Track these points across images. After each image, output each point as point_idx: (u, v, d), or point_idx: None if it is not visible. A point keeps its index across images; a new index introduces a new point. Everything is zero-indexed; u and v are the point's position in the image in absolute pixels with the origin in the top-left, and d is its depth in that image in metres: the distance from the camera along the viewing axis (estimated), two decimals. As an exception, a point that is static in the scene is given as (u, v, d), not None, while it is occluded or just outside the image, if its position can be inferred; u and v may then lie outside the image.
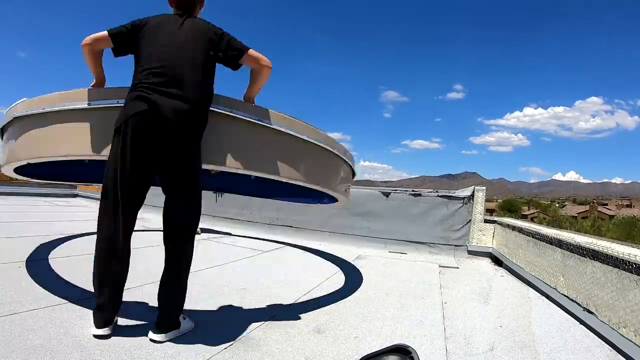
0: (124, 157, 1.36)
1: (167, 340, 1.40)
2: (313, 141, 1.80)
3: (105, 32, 1.50)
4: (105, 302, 1.39)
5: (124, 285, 1.45)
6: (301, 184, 1.83)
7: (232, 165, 1.59)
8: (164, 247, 1.48)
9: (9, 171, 2.03)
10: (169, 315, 1.46)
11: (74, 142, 1.57)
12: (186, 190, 1.48)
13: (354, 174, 2.37)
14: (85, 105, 1.53)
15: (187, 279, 1.52)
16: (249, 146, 1.63)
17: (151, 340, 1.39)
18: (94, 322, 1.39)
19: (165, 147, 1.39)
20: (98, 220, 1.43)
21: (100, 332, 1.38)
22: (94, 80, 1.61)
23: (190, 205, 1.50)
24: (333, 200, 2.46)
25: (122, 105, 1.44)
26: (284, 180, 1.76)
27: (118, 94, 1.50)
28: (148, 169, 1.42)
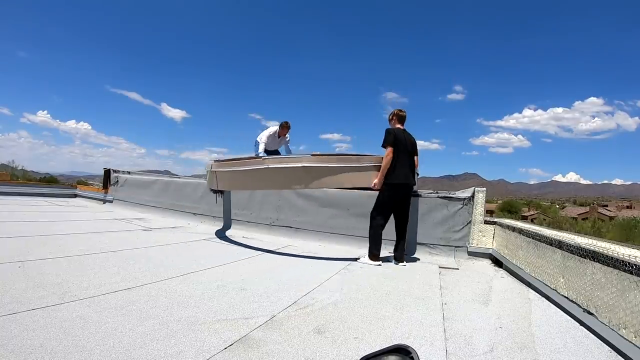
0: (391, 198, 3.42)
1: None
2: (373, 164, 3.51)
3: (391, 149, 3.28)
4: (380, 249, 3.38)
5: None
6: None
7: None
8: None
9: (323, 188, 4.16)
10: (403, 250, 3.47)
11: (362, 180, 3.42)
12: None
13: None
14: (368, 164, 3.43)
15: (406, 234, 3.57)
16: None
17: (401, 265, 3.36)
18: (378, 258, 3.35)
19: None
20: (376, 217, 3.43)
21: (379, 262, 3.32)
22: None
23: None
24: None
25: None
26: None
27: (373, 160, 3.43)
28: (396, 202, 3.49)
